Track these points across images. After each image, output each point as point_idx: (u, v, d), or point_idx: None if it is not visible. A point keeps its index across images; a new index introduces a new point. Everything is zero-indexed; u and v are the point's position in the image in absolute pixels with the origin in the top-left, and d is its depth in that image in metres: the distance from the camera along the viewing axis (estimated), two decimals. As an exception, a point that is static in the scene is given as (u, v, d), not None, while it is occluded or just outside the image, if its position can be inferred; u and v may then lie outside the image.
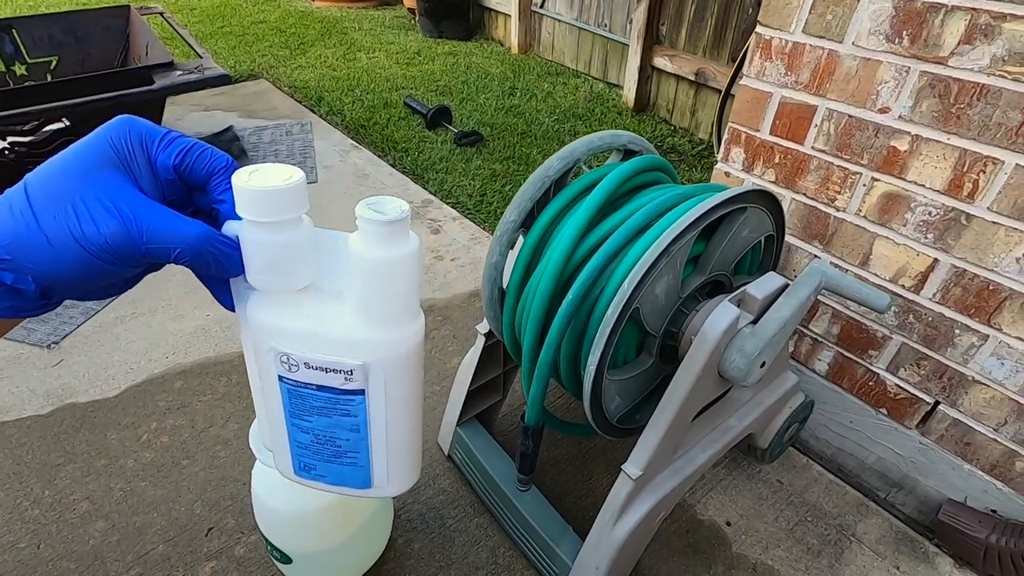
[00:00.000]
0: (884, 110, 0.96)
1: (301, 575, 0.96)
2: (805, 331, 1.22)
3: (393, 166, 2.41)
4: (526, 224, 0.93)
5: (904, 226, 1.00)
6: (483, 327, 1.10)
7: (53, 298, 0.35)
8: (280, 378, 0.43)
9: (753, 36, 1.09)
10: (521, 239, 0.96)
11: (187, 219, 0.35)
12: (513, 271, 0.92)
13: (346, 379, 0.42)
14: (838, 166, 1.04)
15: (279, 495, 0.85)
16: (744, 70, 1.12)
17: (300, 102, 2.96)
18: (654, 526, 0.96)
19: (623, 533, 0.89)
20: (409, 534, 1.10)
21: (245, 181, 0.35)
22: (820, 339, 1.20)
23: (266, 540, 0.90)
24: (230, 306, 0.43)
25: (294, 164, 2.34)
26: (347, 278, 0.41)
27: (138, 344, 1.50)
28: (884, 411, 1.15)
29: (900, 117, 0.94)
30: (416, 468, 0.50)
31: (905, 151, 0.95)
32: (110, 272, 0.34)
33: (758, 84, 1.10)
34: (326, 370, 0.42)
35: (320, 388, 0.43)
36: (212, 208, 0.39)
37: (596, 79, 3.35)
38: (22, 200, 0.32)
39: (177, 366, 1.45)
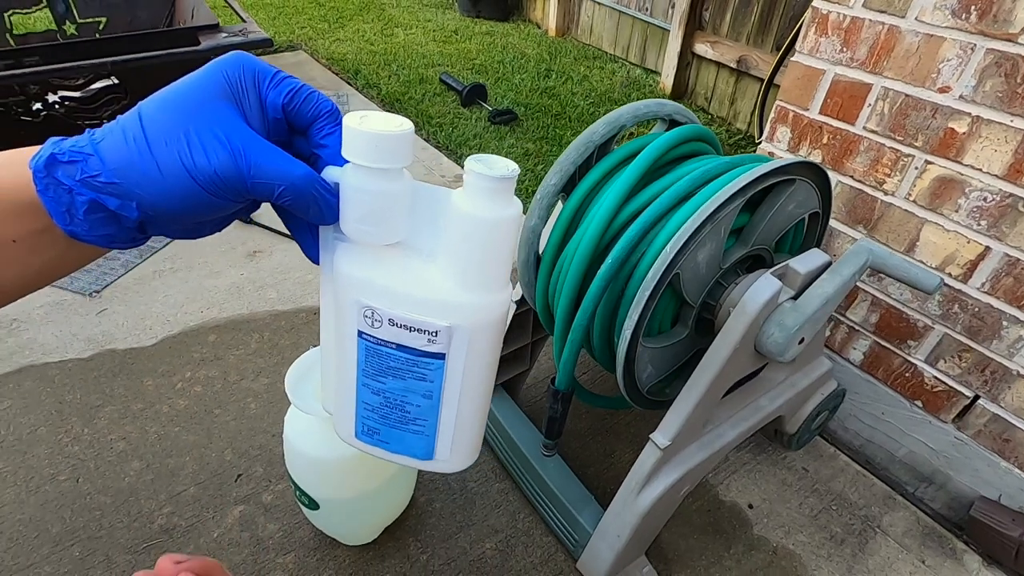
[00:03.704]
0: (944, 89, 0.92)
1: (326, 522, 0.98)
2: (841, 319, 1.20)
3: (427, 141, 2.42)
4: (567, 189, 0.93)
5: (956, 212, 0.96)
6: (514, 295, 1.10)
7: (147, 231, 0.35)
8: (360, 334, 0.42)
9: (809, 11, 1.06)
10: (560, 204, 0.96)
11: (293, 158, 0.35)
12: (551, 234, 0.92)
13: (429, 340, 0.40)
14: (890, 148, 1.01)
15: (311, 441, 0.87)
16: (796, 46, 1.09)
17: (337, 74, 2.98)
18: (677, 499, 0.96)
19: (647, 502, 0.88)
20: (431, 493, 1.12)
21: (357, 123, 0.35)
22: (857, 327, 1.18)
23: (295, 485, 0.92)
24: (315, 256, 0.42)
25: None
26: (444, 236, 0.39)
27: (175, 297, 1.54)
28: (919, 403, 1.12)
29: (961, 97, 0.91)
30: (478, 446, 0.48)
31: (964, 133, 0.92)
32: (212, 205, 0.33)
33: (811, 61, 1.08)
34: (410, 329, 0.40)
35: (400, 347, 0.41)
36: (312, 153, 0.38)
37: (634, 64, 3.30)
38: (136, 126, 0.32)
39: (211, 320, 1.48)
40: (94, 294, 1.53)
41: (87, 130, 0.33)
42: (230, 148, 0.32)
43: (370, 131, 0.34)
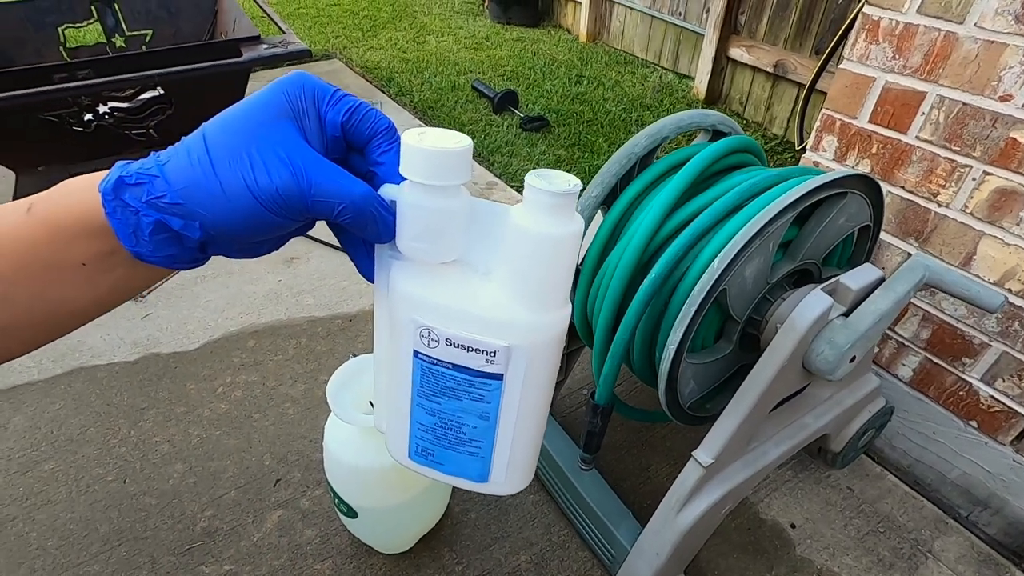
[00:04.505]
0: (1005, 98, 0.88)
1: (363, 530, 0.99)
2: (891, 334, 1.15)
3: (459, 148, 2.43)
4: (607, 201, 0.92)
5: (1017, 225, 0.92)
6: (552, 305, 1.09)
7: (208, 251, 0.35)
8: (416, 353, 0.41)
9: (859, 16, 1.03)
10: (600, 216, 0.95)
11: (352, 177, 0.35)
12: (591, 247, 0.91)
13: (487, 360, 0.39)
14: (945, 158, 0.98)
15: (351, 450, 0.87)
16: (844, 53, 1.06)
17: (371, 82, 3.02)
18: (719, 518, 0.94)
19: (688, 520, 0.87)
20: (466, 504, 1.11)
21: (416, 140, 0.34)
22: (907, 343, 1.13)
23: (334, 493, 0.93)
24: (369, 275, 0.42)
25: (364, 141, 2.40)
26: (503, 253, 0.38)
27: (216, 303, 1.58)
28: (974, 424, 1.08)
29: (1024, 106, 0.87)
30: (533, 468, 0.47)
31: (1026, 143, 0.88)
32: (273, 224, 0.33)
33: (860, 68, 1.04)
34: (468, 349, 0.39)
35: (456, 368, 0.40)
36: (368, 170, 0.38)
37: (666, 69, 3.27)
38: (200, 147, 0.32)
39: (251, 326, 1.51)
40: (140, 299, 1.58)
41: (152, 152, 0.33)
42: (291, 168, 0.32)
43: (429, 148, 0.34)
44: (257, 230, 0.33)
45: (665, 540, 0.89)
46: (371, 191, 0.35)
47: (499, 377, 0.40)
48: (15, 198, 1.90)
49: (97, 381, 1.34)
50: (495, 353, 0.39)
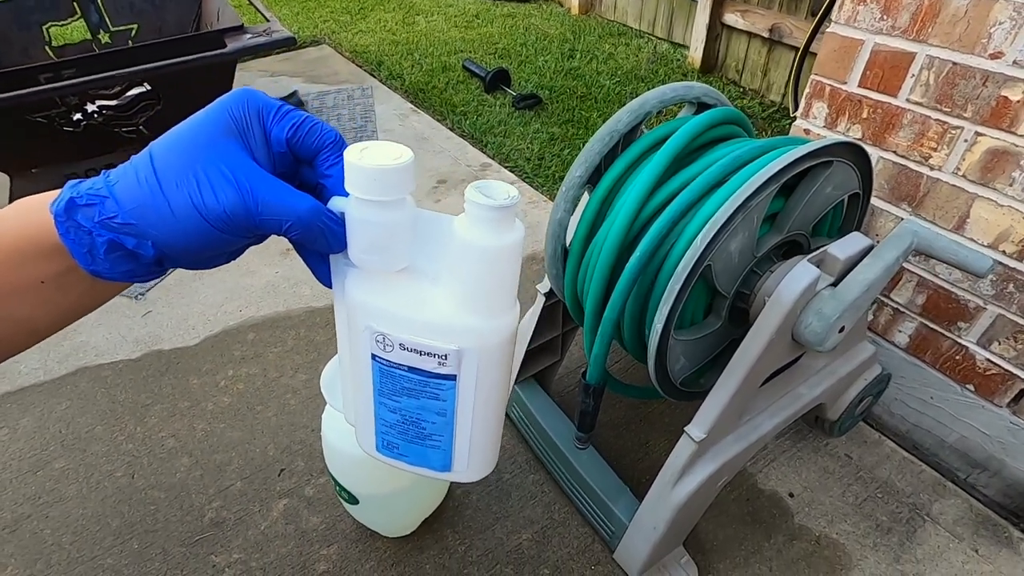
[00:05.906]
0: (996, 55, 0.86)
1: (366, 515, 1.01)
2: (886, 301, 1.15)
3: (452, 130, 2.41)
4: (593, 180, 0.91)
5: (1010, 186, 0.91)
6: (543, 286, 1.09)
7: (165, 265, 0.36)
8: (373, 357, 0.43)
9: (845, -23, 1.00)
10: (587, 196, 0.94)
11: (299, 193, 0.35)
12: (578, 227, 0.91)
13: (439, 363, 0.42)
14: (936, 120, 0.96)
15: (348, 438, 0.88)
16: (832, 15, 1.04)
17: (361, 67, 2.99)
18: (714, 491, 0.95)
19: (683, 495, 0.88)
20: (467, 486, 1.13)
21: (357, 158, 0.35)
22: (902, 309, 1.13)
23: (335, 481, 0.95)
24: (327, 282, 0.43)
25: (355, 128, 2.38)
26: (448, 262, 0.40)
27: (214, 297, 1.59)
28: (971, 387, 1.07)
29: (1015, 63, 0.85)
30: (495, 456, 0.50)
31: (1018, 101, 0.86)
32: (223, 241, 0.34)
33: (848, 31, 1.02)
34: (420, 353, 0.42)
35: (412, 370, 0.43)
36: (317, 183, 0.39)
37: (660, 39, 3.20)
38: (148, 168, 0.33)
39: (250, 319, 1.52)
40: (139, 296, 1.60)
41: (103, 171, 0.34)
42: (237, 186, 0.33)
43: (368, 166, 0.35)
44: (208, 247, 0.34)
45: (661, 515, 0.90)
46: (317, 206, 0.36)
47: (452, 378, 0.43)
48: (11, 202, 1.91)
49: (102, 380, 1.36)
50: (446, 356, 0.41)
